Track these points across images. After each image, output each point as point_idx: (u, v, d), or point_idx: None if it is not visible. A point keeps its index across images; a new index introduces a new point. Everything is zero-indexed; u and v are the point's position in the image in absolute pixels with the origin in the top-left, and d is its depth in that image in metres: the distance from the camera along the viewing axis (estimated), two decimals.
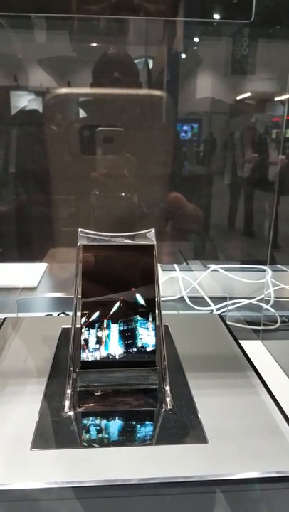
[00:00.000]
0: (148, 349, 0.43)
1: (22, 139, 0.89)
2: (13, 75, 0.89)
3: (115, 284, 0.43)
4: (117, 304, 0.43)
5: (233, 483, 0.32)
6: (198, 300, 0.80)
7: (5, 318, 0.57)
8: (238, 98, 1.02)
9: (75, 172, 0.82)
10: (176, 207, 0.84)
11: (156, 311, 0.43)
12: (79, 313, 0.43)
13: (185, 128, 1.04)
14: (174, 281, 0.84)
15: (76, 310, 0.43)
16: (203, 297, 0.80)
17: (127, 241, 0.43)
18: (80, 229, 0.43)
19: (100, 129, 0.81)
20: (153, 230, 0.44)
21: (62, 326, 0.55)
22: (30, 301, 0.73)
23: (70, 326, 0.44)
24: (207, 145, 1.04)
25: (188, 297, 0.79)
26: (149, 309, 0.43)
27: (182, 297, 0.80)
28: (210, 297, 0.80)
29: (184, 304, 0.79)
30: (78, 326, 0.43)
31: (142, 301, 0.43)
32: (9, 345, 0.51)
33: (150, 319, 0.43)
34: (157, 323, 0.43)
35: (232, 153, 1.03)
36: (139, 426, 0.38)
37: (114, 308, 0.43)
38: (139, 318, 0.43)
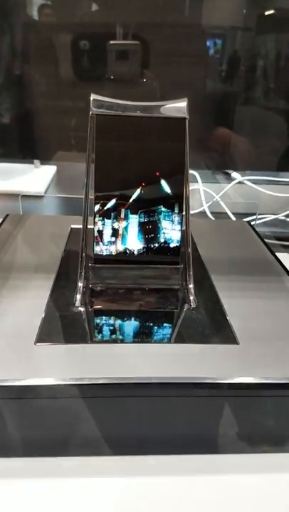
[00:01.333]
0: (171, 245, 0.37)
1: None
2: None
3: (136, 166, 0.36)
4: (138, 191, 0.36)
5: (269, 387, 0.27)
6: (220, 215, 0.73)
7: (7, 215, 0.51)
8: (267, 13, 0.87)
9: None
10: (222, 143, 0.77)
11: (184, 204, 0.37)
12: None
13: (207, 44, 0.92)
14: (195, 193, 0.77)
15: (88, 197, 0.37)
16: (226, 213, 0.73)
17: (153, 113, 0.36)
18: (92, 94, 0.35)
19: (112, 42, 0.69)
20: (185, 101, 0.36)
21: (72, 226, 0.49)
22: (36, 205, 0.67)
23: (80, 227, 0.38)
24: (231, 63, 0.92)
25: (211, 212, 0.72)
26: (176, 199, 0.37)
27: (203, 212, 0.73)
28: (234, 213, 0.73)
29: (205, 218, 0.72)
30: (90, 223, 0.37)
31: (167, 189, 0.36)
32: (11, 241, 0.45)
33: (176, 211, 0.37)
34: (184, 215, 0.37)
35: (257, 72, 0.90)
36: (159, 324, 0.33)
37: (134, 196, 0.36)
38: (163, 209, 0.37)
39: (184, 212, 0.37)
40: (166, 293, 0.37)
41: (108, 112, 0.35)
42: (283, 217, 0.73)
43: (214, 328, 0.32)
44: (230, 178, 0.83)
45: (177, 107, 0.36)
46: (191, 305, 0.35)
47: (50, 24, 0.76)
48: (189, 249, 0.37)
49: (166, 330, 0.32)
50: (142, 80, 0.74)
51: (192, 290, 0.36)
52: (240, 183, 0.79)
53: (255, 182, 0.79)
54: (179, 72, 0.78)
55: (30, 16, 0.76)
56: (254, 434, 0.29)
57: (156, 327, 0.33)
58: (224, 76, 0.88)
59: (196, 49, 0.82)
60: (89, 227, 0.37)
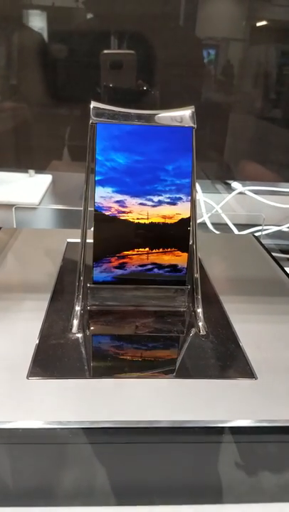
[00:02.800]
0: (178, 264, 0.34)
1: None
2: None
3: (140, 178, 0.33)
4: None
5: None
6: (221, 226, 0.71)
7: (0, 228, 0.48)
8: (259, 25, 0.86)
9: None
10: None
11: (191, 217, 0.34)
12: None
13: (204, 53, 0.92)
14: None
15: (87, 211, 0.34)
16: (226, 224, 0.70)
17: (157, 122, 0.33)
18: (92, 102, 0.32)
19: (105, 51, 0.67)
20: (192, 109, 0.33)
21: (68, 240, 0.46)
22: (30, 216, 0.64)
23: (77, 240, 0.35)
24: (224, 73, 0.90)
25: (211, 224, 0.69)
26: (182, 214, 0.34)
27: (203, 223, 0.71)
28: (236, 224, 0.70)
29: (205, 230, 0.70)
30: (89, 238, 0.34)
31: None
32: (4, 257, 0.42)
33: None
34: (191, 232, 0.34)
35: (250, 82, 0.89)
36: (166, 354, 0.30)
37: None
38: None
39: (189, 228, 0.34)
40: (172, 316, 0.34)
41: (109, 121, 0.32)
42: (287, 229, 0.71)
43: (228, 359, 0.29)
44: (230, 188, 0.80)
45: (183, 115, 0.33)
46: (200, 331, 0.32)
47: (45, 33, 0.74)
48: (197, 274, 0.34)
49: (174, 361, 0.29)
50: (138, 89, 0.71)
51: (201, 315, 0.33)
52: (241, 193, 0.77)
53: (256, 192, 0.77)
54: (177, 81, 0.76)
55: (24, 25, 0.74)
56: (276, 481, 0.26)
57: (163, 358, 0.29)
58: (222, 85, 0.86)
59: (193, 58, 0.80)
60: (88, 241, 0.34)
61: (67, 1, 0.71)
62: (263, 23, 0.78)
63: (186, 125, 0.32)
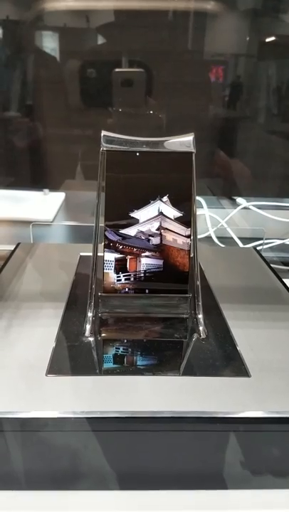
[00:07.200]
0: (180, 274, 0.38)
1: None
2: None
3: (145, 198, 0.37)
4: None
5: (283, 422, 0.27)
6: (226, 240, 0.74)
7: (18, 243, 0.52)
8: (268, 40, 0.90)
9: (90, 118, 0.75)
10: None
11: (192, 231, 0.37)
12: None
13: (210, 70, 0.96)
14: (201, 219, 0.78)
15: (98, 227, 0.37)
16: (231, 238, 0.74)
17: (161, 148, 0.37)
18: (103, 132, 0.37)
19: (117, 70, 0.72)
20: (192, 136, 0.37)
21: (81, 254, 0.50)
22: (45, 232, 0.68)
23: (89, 254, 0.39)
24: (233, 89, 0.95)
25: (217, 237, 0.73)
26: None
27: (209, 237, 0.74)
28: (241, 238, 0.73)
29: (211, 244, 0.73)
30: (100, 251, 0.37)
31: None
32: (23, 270, 0.46)
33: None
34: (192, 245, 0.38)
35: (259, 98, 0.93)
36: (169, 355, 0.33)
37: None
38: None
39: (190, 241, 0.37)
40: (175, 322, 0.37)
41: (118, 147, 0.36)
42: None
43: (225, 359, 0.32)
44: (235, 204, 0.84)
45: (184, 141, 0.37)
46: (200, 335, 0.35)
47: (59, 55, 0.78)
48: (198, 281, 0.38)
49: (176, 361, 0.32)
50: (147, 107, 0.75)
51: (201, 320, 0.36)
52: (245, 208, 0.80)
53: (260, 207, 0.80)
54: (184, 98, 0.80)
55: (39, 48, 0.79)
56: (266, 469, 0.29)
57: (166, 358, 0.33)
58: (228, 102, 0.90)
59: (199, 76, 0.84)
60: (98, 254, 0.38)
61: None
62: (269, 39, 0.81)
63: (187, 150, 0.36)
